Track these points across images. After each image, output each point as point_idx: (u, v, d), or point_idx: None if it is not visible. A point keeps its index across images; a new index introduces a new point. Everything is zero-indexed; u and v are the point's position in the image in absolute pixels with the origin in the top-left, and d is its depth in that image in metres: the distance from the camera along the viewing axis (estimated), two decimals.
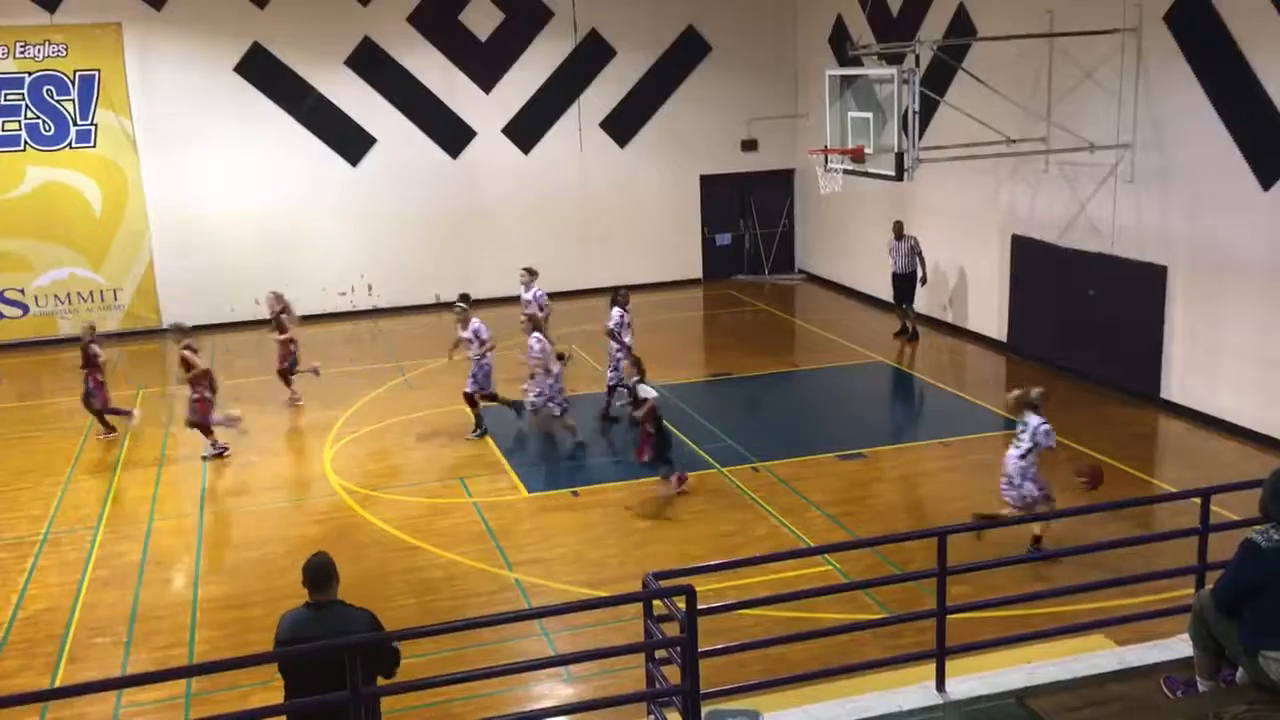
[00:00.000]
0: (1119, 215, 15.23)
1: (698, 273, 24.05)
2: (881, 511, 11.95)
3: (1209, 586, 6.12)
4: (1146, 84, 14.54)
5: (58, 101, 20.03)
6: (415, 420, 15.24)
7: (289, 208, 21.33)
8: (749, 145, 23.75)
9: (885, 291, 19.55)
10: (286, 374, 16.13)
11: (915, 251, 18.59)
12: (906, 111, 14.53)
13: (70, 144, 20.18)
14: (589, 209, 22.91)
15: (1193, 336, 14.28)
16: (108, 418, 14.91)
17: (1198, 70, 13.76)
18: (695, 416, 15.03)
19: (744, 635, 8.34)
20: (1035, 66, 16.15)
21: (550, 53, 22.20)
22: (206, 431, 14.03)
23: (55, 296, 20.66)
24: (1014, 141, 15.61)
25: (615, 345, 14.79)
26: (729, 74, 23.17)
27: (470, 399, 14.43)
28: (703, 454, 13.64)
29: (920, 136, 15.44)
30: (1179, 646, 6.86)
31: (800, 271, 24.48)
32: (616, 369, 14.81)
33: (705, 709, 6.22)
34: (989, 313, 18.22)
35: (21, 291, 20.51)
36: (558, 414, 13.82)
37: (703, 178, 23.66)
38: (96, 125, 20.25)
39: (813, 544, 10.91)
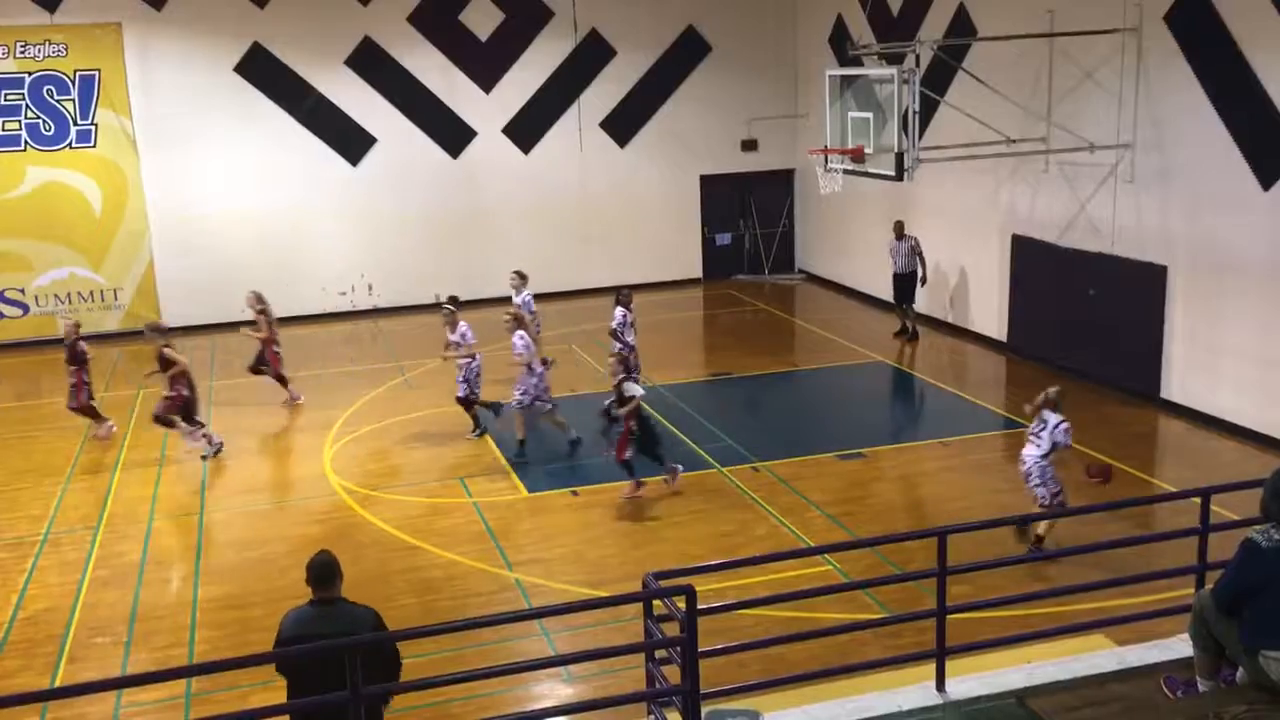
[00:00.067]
0: (1119, 215, 15.23)
1: (698, 273, 24.05)
2: (881, 511, 11.95)
3: (1209, 586, 6.12)
4: (1146, 84, 14.54)
5: (58, 101, 20.03)
6: (415, 420, 15.24)
7: (289, 208, 21.34)
8: (749, 145, 23.75)
9: (885, 291, 19.55)
10: (280, 376, 16.15)
11: (916, 252, 18.59)
12: (906, 111, 14.53)
13: (70, 144, 20.18)
14: (589, 209, 22.91)
15: (1193, 336, 14.28)
16: (89, 418, 14.87)
17: (1198, 70, 13.76)
18: (695, 416, 15.03)
19: (744, 635, 8.34)
20: (1035, 66, 16.15)
21: (550, 53, 22.21)
22: (169, 425, 14.01)
23: (55, 296, 20.66)
24: (1014, 141, 15.61)
25: (618, 345, 14.79)
26: (729, 74, 23.17)
27: (464, 402, 14.44)
28: (703, 454, 13.64)
29: (920, 136, 15.44)
30: (1179, 646, 6.86)
31: (800, 271, 24.48)
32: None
33: (705, 709, 6.22)
34: (989, 313, 18.22)
35: (21, 291, 20.52)
36: (549, 409, 13.81)
37: (703, 178, 23.66)
38: (96, 125, 20.25)
39: (813, 544, 10.91)
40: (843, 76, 16.16)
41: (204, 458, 14.01)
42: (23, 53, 19.75)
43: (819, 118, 17.79)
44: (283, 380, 16.19)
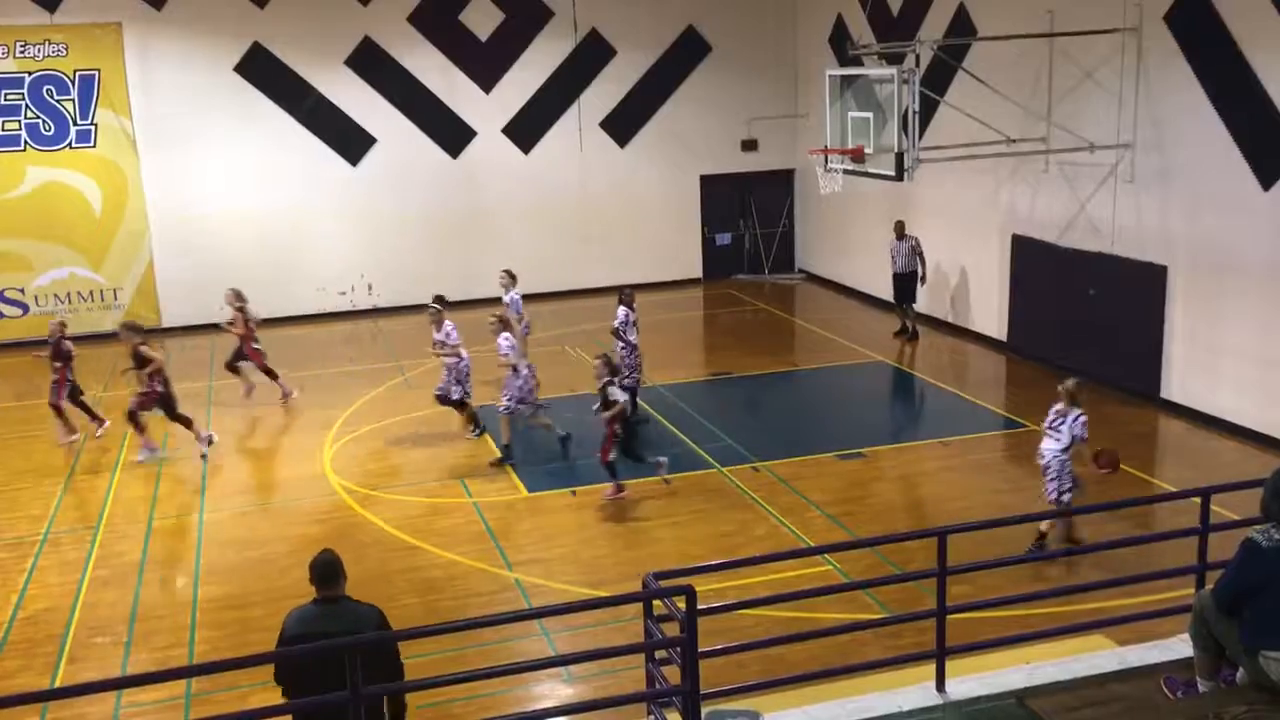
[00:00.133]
0: (1119, 215, 15.23)
1: (698, 272, 24.06)
2: (881, 511, 11.95)
3: (1209, 586, 6.12)
4: (1146, 84, 14.54)
5: (58, 101, 20.03)
6: (415, 420, 15.24)
7: (289, 208, 21.34)
8: (749, 145, 23.75)
9: (885, 291, 19.54)
10: (267, 370, 16.18)
11: (916, 252, 18.60)
12: (906, 111, 14.53)
13: (70, 144, 20.18)
14: (589, 209, 22.91)
15: (1193, 336, 14.28)
16: (58, 419, 14.83)
17: (1198, 70, 13.76)
18: (695, 416, 15.04)
19: (744, 635, 8.33)
20: (1035, 66, 16.15)
21: (550, 53, 22.21)
22: (138, 427, 13.97)
23: (55, 296, 20.66)
24: (1014, 141, 15.61)
25: (621, 345, 14.79)
26: (729, 74, 23.17)
27: (461, 404, 14.43)
28: (703, 454, 13.64)
29: (920, 136, 15.44)
30: (1179, 646, 6.86)
31: (800, 271, 24.48)
32: (627, 369, 14.81)
33: (705, 709, 6.22)
34: (989, 312, 18.22)
35: (21, 291, 20.52)
36: (529, 414, 13.70)
37: (703, 178, 23.66)
38: (96, 125, 20.25)
39: (813, 544, 10.91)
40: (843, 76, 16.16)
41: (203, 456, 14.01)
42: (23, 53, 19.75)
43: (819, 118, 17.79)
44: (271, 374, 16.20)
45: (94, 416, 14.99)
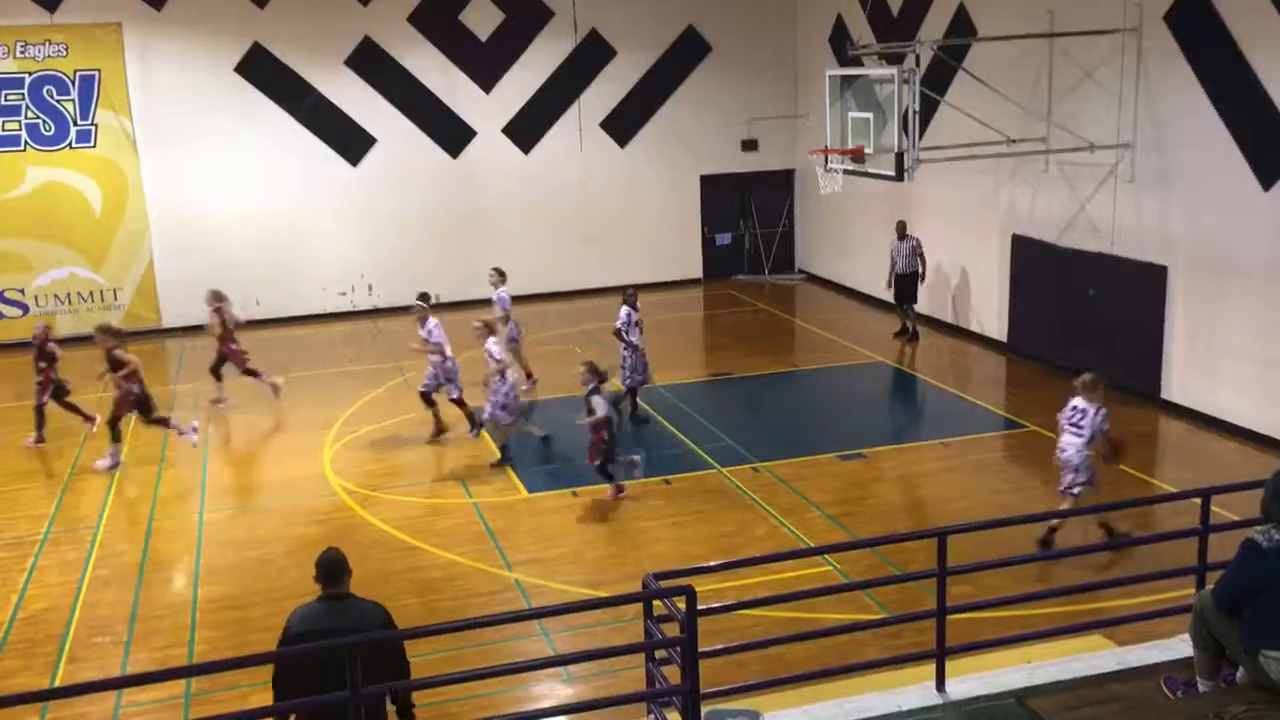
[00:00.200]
0: (1119, 215, 15.23)
1: (698, 273, 24.05)
2: (881, 511, 11.95)
3: (1209, 586, 6.12)
4: (1146, 84, 14.54)
5: (58, 101, 20.03)
6: (415, 420, 15.21)
7: (289, 208, 21.34)
8: (749, 145, 23.75)
9: (886, 291, 19.53)
10: (250, 372, 16.14)
11: (917, 252, 18.60)
12: (906, 111, 14.53)
13: (70, 144, 20.18)
14: (589, 209, 22.91)
15: (1193, 336, 14.28)
16: (40, 423, 14.82)
17: (1198, 70, 13.76)
18: (695, 416, 15.03)
19: (744, 635, 8.34)
20: (1035, 66, 16.15)
21: (550, 53, 22.21)
22: (115, 434, 13.93)
23: (55, 296, 20.66)
24: (1014, 141, 15.61)
25: (623, 345, 14.79)
26: (729, 74, 23.17)
27: (459, 403, 14.40)
28: (703, 454, 13.64)
29: (920, 136, 15.44)
30: (1179, 646, 6.86)
31: (800, 271, 24.48)
32: (628, 369, 14.82)
33: (705, 709, 6.22)
34: (989, 313, 18.22)
35: (21, 291, 20.51)
36: (508, 422, 13.52)
37: (703, 178, 23.66)
38: (96, 125, 20.25)
39: (813, 544, 10.90)
40: (843, 76, 16.16)
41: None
42: (23, 53, 19.75)
43: (819, 118, 17.79)
44: (254, 374, 16.15)
45: (85, 416, 14.92)
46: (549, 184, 22.59)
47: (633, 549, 11.14)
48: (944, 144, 15.83)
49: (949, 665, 6.80)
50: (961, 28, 17.91)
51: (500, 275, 16.50)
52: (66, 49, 19.89)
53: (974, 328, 18.67)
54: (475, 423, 14.44)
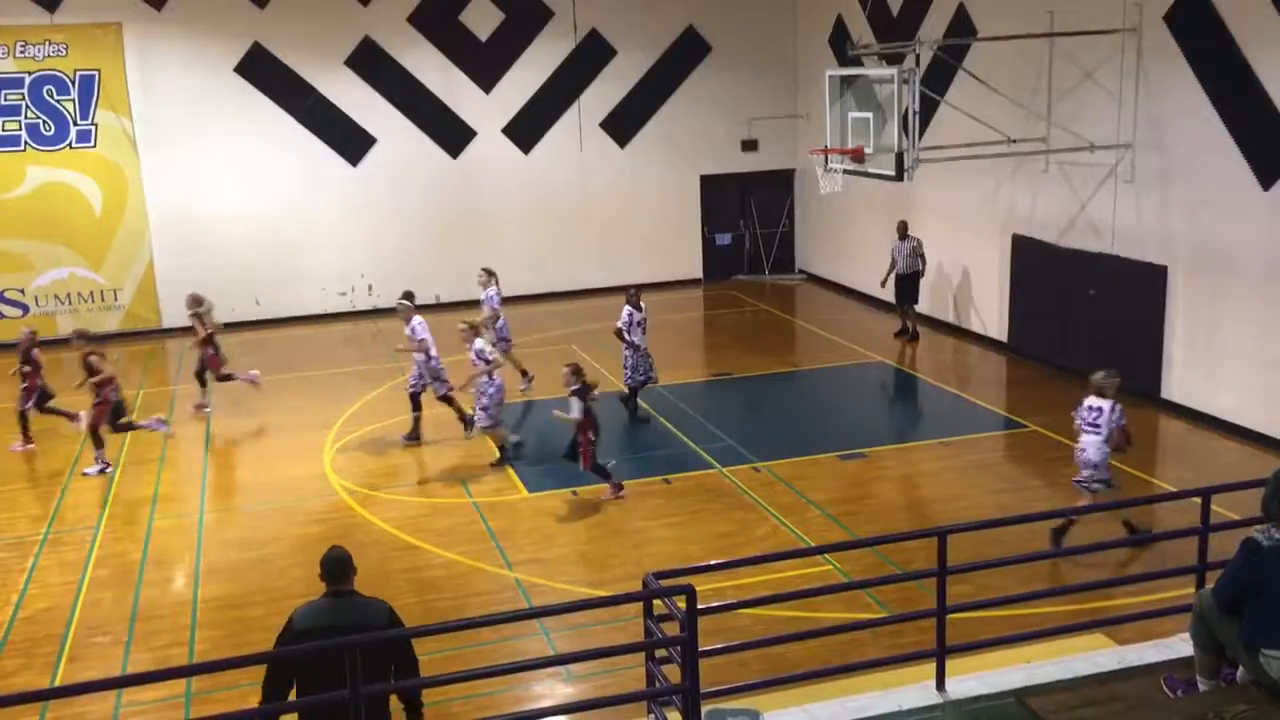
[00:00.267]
0: (1119, 215, 15.23)
1: (698, 273, 24.05)
2: (881, 511, 11.95)
3: (1209, 586, 6.12)
4: (1146, 84, 14.54)
5: (58, 101, 20.03)
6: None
7: (289, 208, 21.34)
8: (749, 145, 23.75)
9: (886, 291, 19.52)
10: (225, 377, 15.98)
11: (917, 253, 18.60)
12: (906, 111, 14.53)
13: (70, 144, 20.18)
14: (589, 209, 22.91)
15: (1193, 336, 14.28)
16: (25, 427, 14.75)
17: (1198, 70, 13.76)
18: (695, 416, 15.03)
19: (744, 635, 8.33)
20: (1035, 66, 16.15)
21: (550, 53, 22.20)
22: (97, 441, 13.83)
23: (55, 296, 20.66)
24: (1014, 141, 15.61)
25: (625, 346, 14.77)
26: (729, 74, 23.17)
27: (446, 399, 14.36)
28: (703, 454, 13.64)
29: (920, 136, 15.44)
30: (1179, 646, 6.86)
31: (800, 271, 24.48)
32: (630, 369, 14.80)
33: (705, 708, 6.23)
34: (989, 312, 18.23)
35: (21, 291, 20.51)
36: (486, 425, 13.48)
37: (703, 178, 23.66)
38: (96, 125, 20.25)
39: (813, 544, 10.90)
40: (843, 76, 16.15)
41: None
42: (23, 53, 19.75)
43: (819, 118, 17.79)
44: (228, 377, 15.95)
45: (69, 416, 14.83)
46: (549, 184, 22.59)
47: (633, 548, 11.14)
48: (944, 144, 15.82)
49: (949, 664, 6.80)
50: (961, 28, 17.92)
51: (490, 275, 16.44)
52: (66, 49, 19.89)
53: (974, 328, 18.68)
54: (469, 423, 14.41)
